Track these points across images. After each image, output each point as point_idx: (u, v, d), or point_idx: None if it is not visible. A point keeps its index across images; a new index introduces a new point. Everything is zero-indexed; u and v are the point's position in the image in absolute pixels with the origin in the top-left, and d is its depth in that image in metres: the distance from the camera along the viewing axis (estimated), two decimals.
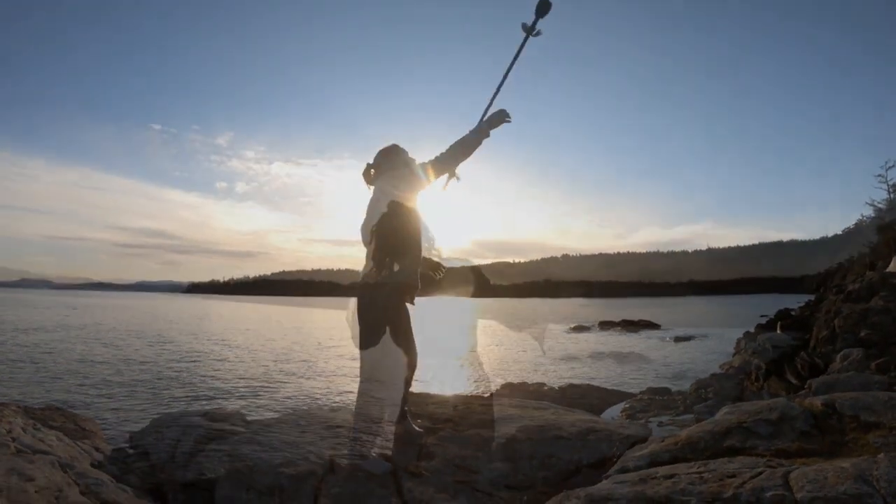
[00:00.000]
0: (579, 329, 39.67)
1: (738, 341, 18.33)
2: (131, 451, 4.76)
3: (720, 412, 3.77)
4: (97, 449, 4.56)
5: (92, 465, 3.97)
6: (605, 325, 42.35)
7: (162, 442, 4.76)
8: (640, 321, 42.82)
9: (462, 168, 3.88)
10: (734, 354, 16.22)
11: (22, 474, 2.89)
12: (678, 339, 29.89)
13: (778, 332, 11.91)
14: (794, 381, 7.09)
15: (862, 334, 6.84)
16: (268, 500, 3.33)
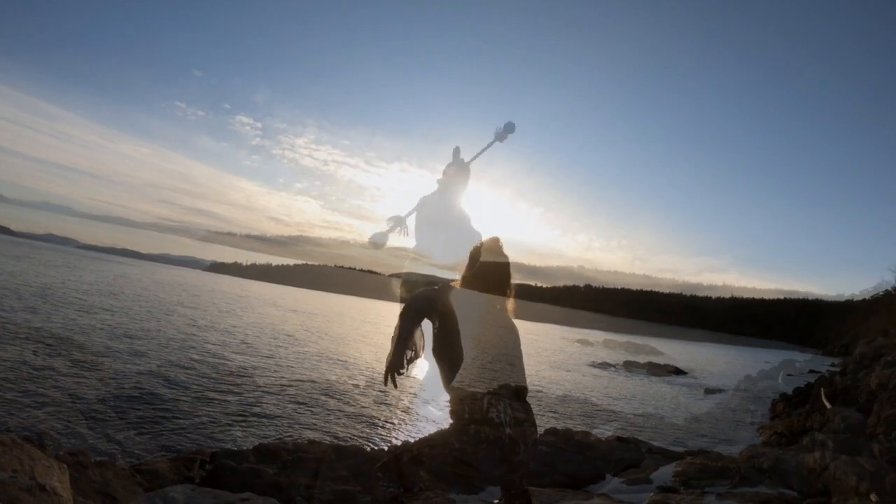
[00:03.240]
0: (584, 343, 39.66)
1: (739, 382, 18.41)
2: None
3: (714, 452, 3.77)
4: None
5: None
6: (610, 343, 42.65)
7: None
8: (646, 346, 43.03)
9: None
10: (732, 392, 16.29)
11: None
12: (678, 372, 29.84)
13: (779, 381, 11.89)
14: (787, 433, 7.04)
15: (863, 397, 6.78)
16: (270, 463, 3.35)
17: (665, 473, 9.00)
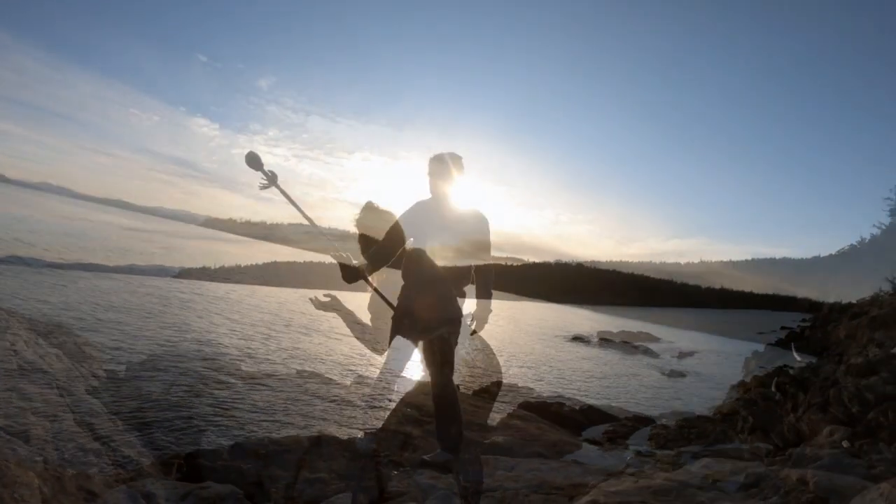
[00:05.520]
0: (578, 340, 39.66)
1: (732, 387, 18.44)
2: (127, 382, 4.90)
3: (698, 463, 3.82)
4: (94, 374, 4.69)
5: (87, 390, 4.09)
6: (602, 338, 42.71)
7: (157, 380, 4.90)
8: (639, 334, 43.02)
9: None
10: (725, 400, 16.31)
11: (21, 394, 2.99)
12: (652, 339, 29.85)
13: (773, 389, 11.92)
14: (778, 442, 7.09)
15: (854, 410, 6.82)
16: (251, 461, 3.43)
17: (640, 438, 9.13)
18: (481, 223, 3.86)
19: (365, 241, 4.19)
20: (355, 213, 4.37)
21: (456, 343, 3.83)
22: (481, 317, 3.88)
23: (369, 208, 4.32)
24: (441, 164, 3.87)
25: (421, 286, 3.82)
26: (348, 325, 4.20)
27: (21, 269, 14.91)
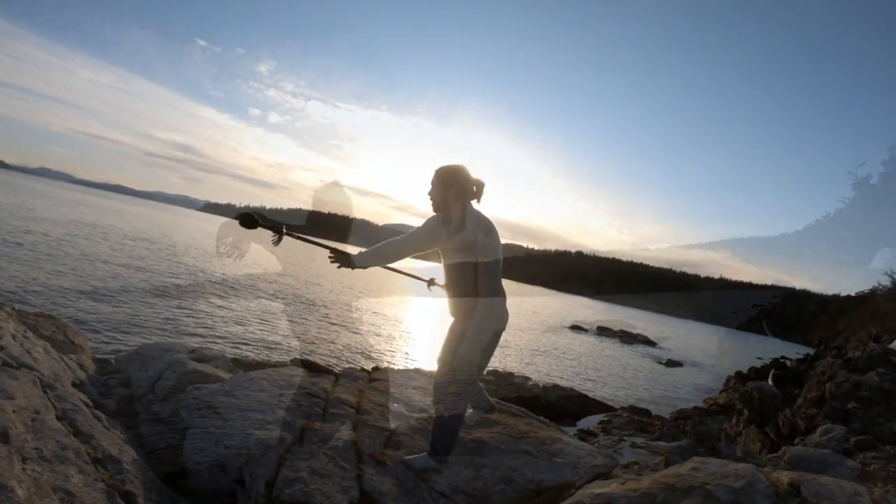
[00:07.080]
0: (577, 329, 39.89)
1: (729, 379, 18.52)
2: (114, 374, 4.88)
3: (687, 464, 3.77)
4: (81, 366, 4.66)
5: (73, 384, 4.05)
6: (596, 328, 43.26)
7: (145, 372, 4.87)
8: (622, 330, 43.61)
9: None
10: (720, 391, 16.42)
11: (3, 391, 2.94)
12: (671, 363, 30.03)
13: (769, 382, 11.97)
14: (772, 436, 7.12)
15: (850, 406, 6.83)
16: (233, 459, 3.41)
17: (634, 429, 9.23)
18: (488, 228, 3.53)
19: (315, 215, 4.09)
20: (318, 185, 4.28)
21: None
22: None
23: (333, 185, 4.25)
24: (445, 180, 3.58)
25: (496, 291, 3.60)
26: None
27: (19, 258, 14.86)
